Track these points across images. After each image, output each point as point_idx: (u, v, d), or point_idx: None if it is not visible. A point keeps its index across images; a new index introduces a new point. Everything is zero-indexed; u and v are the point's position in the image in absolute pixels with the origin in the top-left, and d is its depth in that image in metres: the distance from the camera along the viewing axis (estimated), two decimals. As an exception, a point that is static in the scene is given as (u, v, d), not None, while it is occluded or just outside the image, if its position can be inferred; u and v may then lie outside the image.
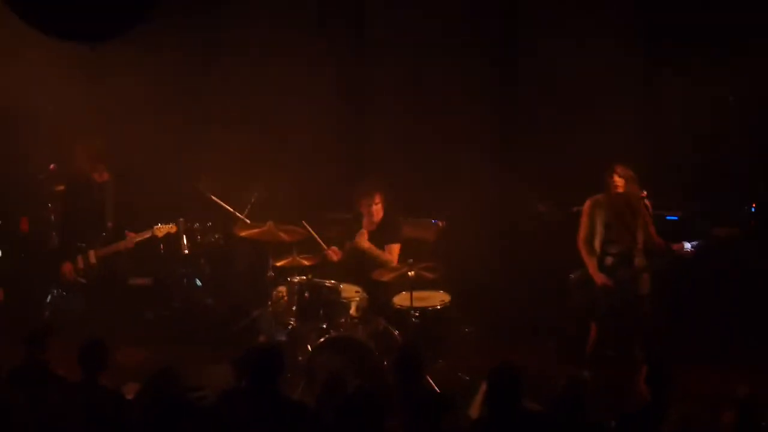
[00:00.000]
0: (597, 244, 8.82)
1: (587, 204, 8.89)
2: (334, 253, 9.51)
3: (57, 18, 6.71)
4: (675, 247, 8.51)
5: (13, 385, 6.82)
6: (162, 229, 9.88)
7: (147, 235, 9.86)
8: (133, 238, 9.82)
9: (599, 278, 8.77)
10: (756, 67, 9.68)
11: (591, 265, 8.82)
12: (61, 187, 10.18)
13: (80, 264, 9.81)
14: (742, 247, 9.48)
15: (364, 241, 9.42)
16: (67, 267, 9.77)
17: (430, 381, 8.29)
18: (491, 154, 10.81)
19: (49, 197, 10.32)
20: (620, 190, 8.64)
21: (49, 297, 10.13)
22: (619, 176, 8.64)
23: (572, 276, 9.04)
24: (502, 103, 11.08)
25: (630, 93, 10.59)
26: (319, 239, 9.47)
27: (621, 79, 10.49)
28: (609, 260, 8.76)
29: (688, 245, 8.43)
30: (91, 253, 9.83)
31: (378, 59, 11.28)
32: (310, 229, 9.40)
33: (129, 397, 6.78)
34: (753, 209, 9.76)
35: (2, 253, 10.03)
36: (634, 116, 10.59)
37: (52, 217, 10.27)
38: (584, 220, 8.88)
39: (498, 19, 11.02)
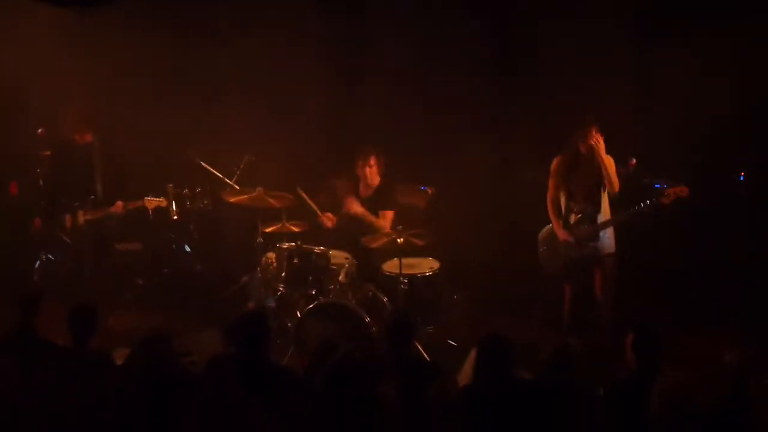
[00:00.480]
0: (563, 202, 8.84)
1: (554, 163, 8.93)
2: (328, 220, 9.53)
3: None
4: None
5: (2, 351, 6.81)
6: (152, 201, 9.92)
7: (137, 204, 9.87)
8: (123, 205, 9.82)
9: (561, 234, 8.86)
10: (754, 40, 9.63)
11: (556, 223, 8.93)
12: (48, 153, 10.15)
13: (68, 223, 9.82)
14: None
15: (356, 206, 9.41)
16: (36, 221, 9.86)
17: (419, 347, 8.28)
18: (484, 125, 10.76)
19: (37, 162, 10.25)
20: (594, 146, 8.62)
21: (38, 262, 10.14)
22: (592, 133, 8.64)
23: (540, 233, 9.06)
24: (496, 74, 10.99)
25: (625, 64, 10.52)
26: (313, 205, 9.46)
27: (616, 50, 10.42)
28: (573, 218, 8.83)
29: (640, 206, 8.47)
30: (80, 214, 9.86)
31: (374, 31, 11.19)
32: (305, 197, 9.40)
33: (119, 362, 6.75)
34: (742, 177, 9.74)
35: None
36: (628, 86, 10.54)
37: (41, 181, 10.21)
38: (552, 180, 8.92)
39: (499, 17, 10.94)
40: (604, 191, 8.73)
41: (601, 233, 8.77)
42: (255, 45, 10.83)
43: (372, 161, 9.49)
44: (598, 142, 8.65)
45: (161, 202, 9.99)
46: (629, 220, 8.73)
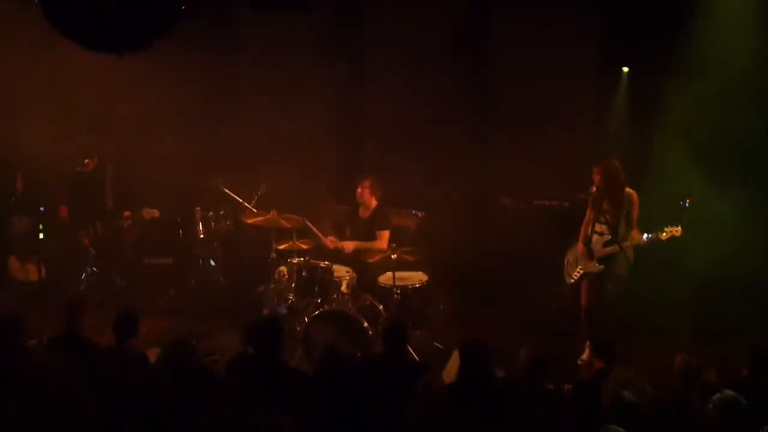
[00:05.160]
0: (591, 224, 8.75)
1: (589, 192, 8.77)
2: (330, 242, 9.49)
3: (88, 29, 6.46)
4: (635, 235, 8.46)
5: (51, 350, 6.76)
6: (149, 212, 10.11)
7: (137, 215, 10.15)
8: (127, 217, 10.18)
9: (580, 247, 8.71)
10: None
11: (581, 238, 8.75)
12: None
13: (84, 239, 10.08)
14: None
15: (349, 247, 9.43)
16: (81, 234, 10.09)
17: (410, 350, 8.23)
18: (466, 155, 10.76)
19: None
20: (598, 184, 8.54)
21: (84, 274, 10.13)
22: (596, 173, 8.57)
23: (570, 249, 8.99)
24: (476, 113, 11.04)
25: (586, 98, 10.51)
26: (318, 232, 9.46)
27: (579, 89, 10.40)
28: (594, 237, 8.69)
29: (644, 237, 8.39)
30: (98, 224, 10.10)
31: (374, 71, 11.21)
32: (310, 226, 9.37)
33: (152, 360, 6.71)
34: (687, 204, 9.68)
35: (44, 236, 9.91)
36: (589, 120, 10.53)
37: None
38: (588, 208, 8.79)
39: (474, 39, 10.94)
40: (623, 221, 8.57)
41: (615, 255, 8.62)
42: (269, 88, 10.82)
43: (366, 184, 9.49)
44: (599, 182, 8.56)
45: (154, 213, 10.13)
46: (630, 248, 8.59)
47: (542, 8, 10.25)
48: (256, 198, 10.06)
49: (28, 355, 6.56)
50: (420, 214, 10.40)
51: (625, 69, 10.39)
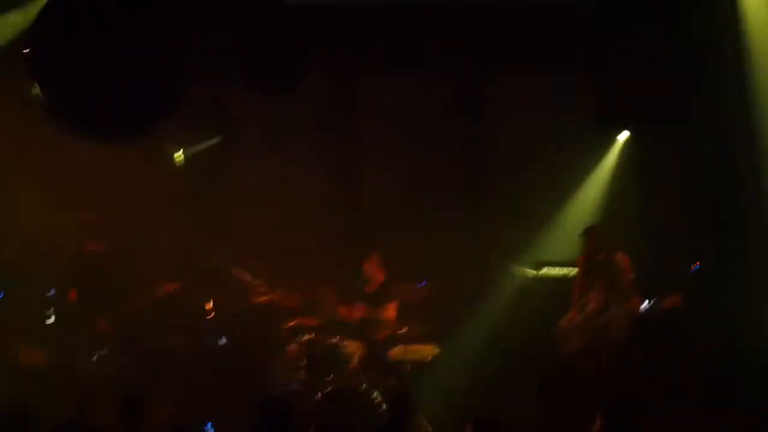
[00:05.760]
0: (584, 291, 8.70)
1: (579, 260, 8.76)
2: (342, 313, 9.45)
3: (82, 123, 6.56)
4: (634, 302, 8.40)
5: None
6: (169, 286, 10.22)
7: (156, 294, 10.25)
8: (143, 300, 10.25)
9: (574, 315, 8.63)
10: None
11: (574, 306, 8.66)
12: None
13: (101, 326, 10.01)
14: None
15: (357, 313, 9.42)
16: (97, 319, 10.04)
17: (424, 421, 8.16)
18: (469, 222, 10.80)
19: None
20: (588, 249, 8.54)
21: (94, 358, 10.12)
22: (587, 239, 8.57)
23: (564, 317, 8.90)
24: (478, 185, 11.15)
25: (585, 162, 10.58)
26: (329, 302, 9.40)
27: (578, 153, 10.47)
28: (589, 305, 8.63)
29: (643, 305, 8.33)
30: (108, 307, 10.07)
31: (368, 148, 11.32)
32: (323, 297, 9.35)
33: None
34: (694, 269, 9.65)
35: (54, 320, 9.96)
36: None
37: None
38: (579, 274, 8.75)
39: (472, 112, 11.02)
40: (615, 288, 8.52)
41: (610, 321, 8.54)
42: (266, 165, 10.91)
43: (373, 260, 9.53)
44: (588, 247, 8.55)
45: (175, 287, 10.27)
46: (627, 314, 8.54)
47: (539, 76, 10.37)
48: (262, 277, 10.07)
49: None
50: (426, 286, 10.38)
51: (625, 133, 10.48)
